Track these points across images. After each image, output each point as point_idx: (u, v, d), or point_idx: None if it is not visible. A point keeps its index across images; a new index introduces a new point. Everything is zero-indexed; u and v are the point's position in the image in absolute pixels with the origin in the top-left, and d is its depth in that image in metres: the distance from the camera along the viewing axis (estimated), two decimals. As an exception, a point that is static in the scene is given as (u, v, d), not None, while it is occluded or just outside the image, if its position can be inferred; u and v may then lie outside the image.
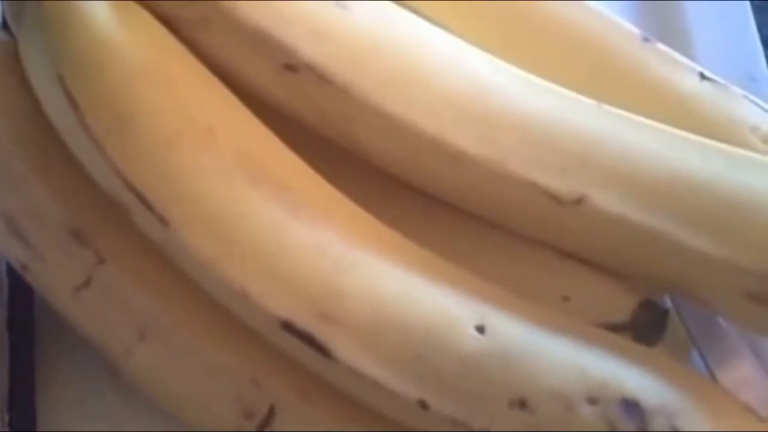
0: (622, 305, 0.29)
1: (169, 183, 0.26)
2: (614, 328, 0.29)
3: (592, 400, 0.26)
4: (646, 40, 0.32)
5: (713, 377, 0.30)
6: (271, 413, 0.29)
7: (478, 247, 0.30)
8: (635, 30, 0.32)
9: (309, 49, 0.27)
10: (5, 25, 0.30)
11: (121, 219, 0.28)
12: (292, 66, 0.28)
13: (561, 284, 0.30)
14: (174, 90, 0.27)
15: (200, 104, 0.27)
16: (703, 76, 0.32)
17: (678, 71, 0.31)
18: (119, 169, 0.26)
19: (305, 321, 0.26)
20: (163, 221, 0.26)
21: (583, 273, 0.30)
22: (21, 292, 0.33)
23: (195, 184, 0.26)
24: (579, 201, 0.28)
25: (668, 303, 0.31)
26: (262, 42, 0.27)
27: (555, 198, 0.28)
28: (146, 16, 0.27)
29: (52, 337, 0.33)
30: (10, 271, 0.33)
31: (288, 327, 0.26)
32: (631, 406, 0.26)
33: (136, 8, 0.27)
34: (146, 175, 0.26)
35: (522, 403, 0.26)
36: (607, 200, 0.28)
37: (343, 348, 0.26)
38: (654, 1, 0.38)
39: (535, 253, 0.30)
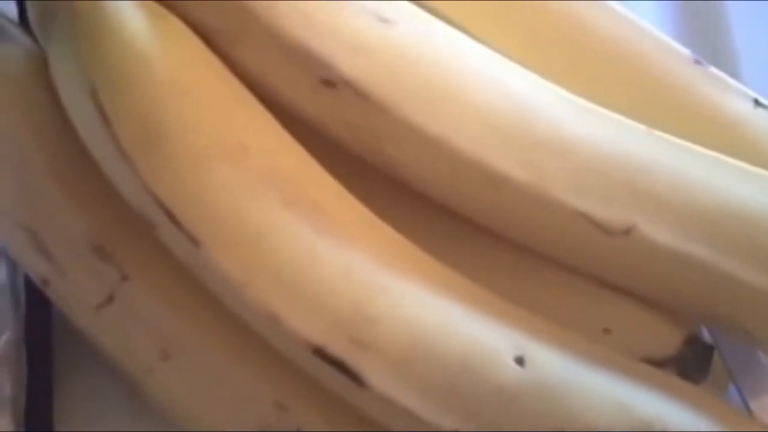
0: (667, 339, 0.28)
1: (198, 201, 0.25)
2: (657, 363, 0.28)
3: (636, 439, 0.25)
4: (697, 62, 0.31)
5: (749, 411, 0.29)
6: (296, 438, 0.28)
7: (515, 275, 0.29)
8: (686, 51, 0.31)
9: (347, 65, 0.26)
10: (27, 28, 0.29)
11: (147, 236, 0.27)
12: (329, 81, 0.26)
13: (602, 315, 0.28)
14: (207, 106, 0.26)
15: (233, 121, 0.26)
16: (757, 103, 0.31)
17: (731, 96, 0.30)
18: (148, 185, 0.25)
19: (337, 347, 0.25)
20: (193, 240, 0.25)
21: (626, 304, 0.28)
22: (39, 306, 0.32)
23: (225, 203, 0.25)
24: (627, 231, 0.27)
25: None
26: (299, 56, 0.26)
27: (601, 227, 0.27)
28: (182, 28, 0.26)
29: (70, 353, 0.33)
30: (28, 284, 0.32)
31: (320, 353, 0.25)
32: (678, 447, 0.25)
33: (172, 20, 0.26)
34: (176, 193, 0.25)
35: (562, 439, 0.25)
36: (656, 231, 0.27)
37: (376, 375, 0.25)
38: (699, 20, 0.37)
39: (575, 282, 0.29)
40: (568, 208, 0.27)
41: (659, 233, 0.27)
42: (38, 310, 0.32)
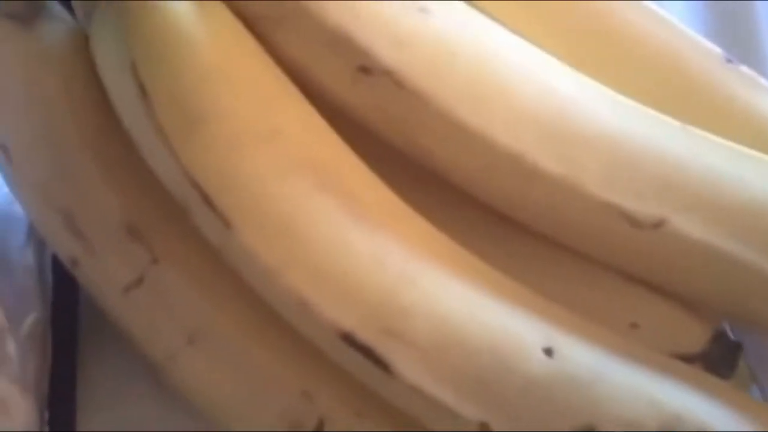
0: (695, 336, 0.28)
1: (233, 184, 0.25)
2: (684, 359, 0.28)
3: (665, 432, 0.25)
4: (728, 61, 0.31)
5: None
6: (319, 427, 0.28)
7: (545, 268, 0.29)
8: (717, 50, 0.31)
9: (386, 54, 0.26)
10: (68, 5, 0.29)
11: (180, 220, 0.27)
12: (367, 69, 0.27)
13: (630, 310, 0.29)
14: (246, 90, 0.26)
15: (271, 106, 0.26)
16: (787, 100, 0.31)
17: (762, 94, 0.30)
18: (184, 166, 0.25)
19: (366, 334, 0.25)
20: (225, 223, 0.25)
21: (654, 300, 0.29)
22: (66, 289, 0.32)
23: (259, 187, 0.25)
24: (658, 225, 0.27)
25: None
26: (339, 43, 0.26)
27: (632, 221, 0.27)
28: (224, 12, 0.26)
29: (96, 336, 0.33)
30: (56, 267, 0.32)
31: (348, 339, 0.25)
32: (708, 441, 0.25)
33: (216, 3, 0.26)
34: (211, 175, 0.25)
35: (590, 430, 0.25)
36: (688, 225, 0.27)
37: (404, 364, 0.25)
38: (729, 20, 0.37)
39: (603, 276, 0.29)
40: (600, 200, 0.27)
41: (690, 228, 0.27)
42: (65, 293, 0.32)
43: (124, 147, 0.28)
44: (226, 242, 0.26)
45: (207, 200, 0.26)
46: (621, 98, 0.28)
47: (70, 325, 0.32)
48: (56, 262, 0.32)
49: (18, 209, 0.31)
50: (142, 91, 0.25)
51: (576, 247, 0.29)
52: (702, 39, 0.31)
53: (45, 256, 0.33)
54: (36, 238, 0.32)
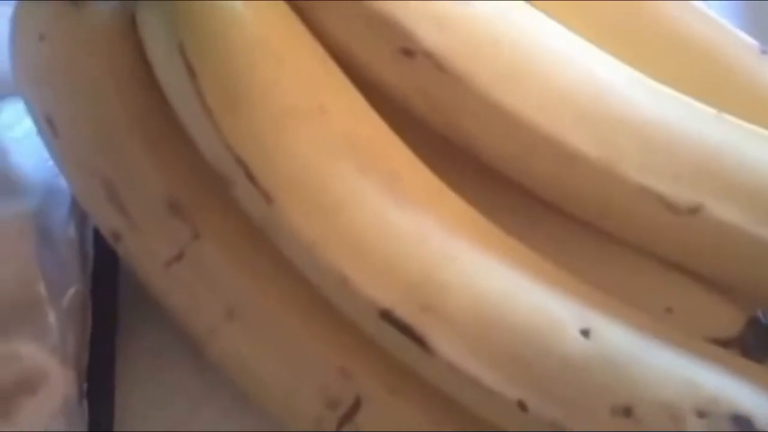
0: (729, 320, 0.28)
1: (277, 160, 0.26)
2: (719, 343, 0.28)
3: (701, 414, 0.25)
4: (764, 52, 0.31)
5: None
6: (356, 405, 0.28)
7: (581, 251, 0.29)
8: (753, 42, 0.31)
9: (428, 36, 0.27)
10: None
11: (221, 196, 0.28)
12: (409, 51, 0.27)
13: (665, 294, 0.29)
14: (291, 68, 0.26)
15: (315, 84, 0.27)
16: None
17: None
18: (229, 142, 0.26)
19: (405, 311, 0.26)
20: (267, 198, 0.26)
21: (689, 285, 0.29)
22: (106, 263, 0.33)
23: (303, 164, 0.26)
24: (694, 210, 0.27)
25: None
26: (381, 24, 0.27)
27: (669, 205, 0.27)
28: (270, -9, 0.27)
29: (135, 310, 0.33)
30: (97, 241, 0.33)
31: (387, 316, 0.26)
32: (743, 422, 0.25)
33: (261, -18, 0.27)
34: (255, 150, 0.26)
35: (627, 411, 0.25)
36: (724, 211, 0.27)
37: (443, 342, 0.26)
38: (762, 15, 0.37)
39: (639, 260, 0.29)
40: (637, 185, 0.27)
41: (726, 213, 0.27)
42: (106, 267, 0.33)
43: (167, 124, 0.28)
44: (268, 218, 0.27)
45: (250, 176, 0.26)
46: (658, 85, 0.29)
47: (110, 298, 0.33)
48: (98, 236, 0.32)
49: (62, 183, 0.32)
50: (191, 71, 0.26)
51: (613, 231, 0.29)
52: (739, 32, 0.31)
53: (87, 230, 0.33)
54: (78, 212, 0.32)
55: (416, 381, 0.28)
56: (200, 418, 0.32)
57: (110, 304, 0.33)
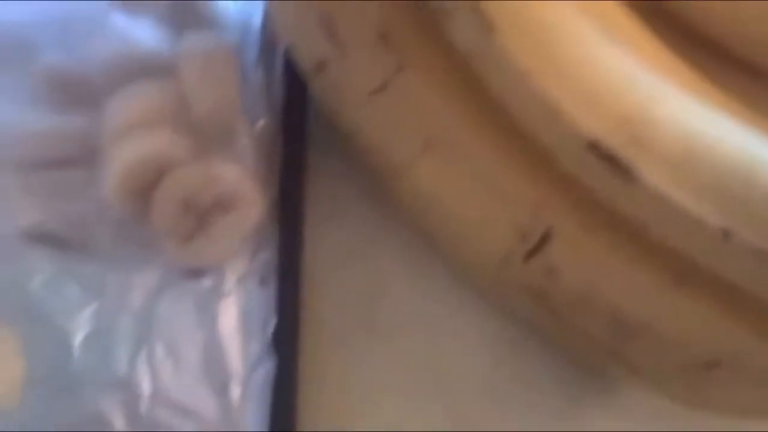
0: None
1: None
2: None
3: None
4: None
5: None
6: (546, 237, 0.29)
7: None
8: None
9: None
10: None
11: (429, 29, 0.29)
12: None
13: None
14: None
15: None
16: None
17: None
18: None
19: (613, 143, 0.26)
20: (488, 26, 0.26)
21: None
22: (297, 100, 0.33)
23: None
24: None
25: None
26: None
27: None
28: None
29: (323, 157, 0.34)
30: (287, 80, 0.34)
31: (594, 147, 0.26)
32: None
33: None
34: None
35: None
36: None
37: (649, 172, 0.26)
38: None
39: None
40: None
41: None
42: (296, 105, 0.34)
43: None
44: (485, 47, 0.27)
45: (474, 6, 0.27)
46: None
47: (299, 142, 0.34)
48: (288, 79, 0.33)
49: (255, 22, 0.33)
50: None
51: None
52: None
53: (273, 77, 0.34)
54: (266, 58, 0.33)
55: (608, 219, 0.28)
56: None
57: (299, 148, 0.33)
